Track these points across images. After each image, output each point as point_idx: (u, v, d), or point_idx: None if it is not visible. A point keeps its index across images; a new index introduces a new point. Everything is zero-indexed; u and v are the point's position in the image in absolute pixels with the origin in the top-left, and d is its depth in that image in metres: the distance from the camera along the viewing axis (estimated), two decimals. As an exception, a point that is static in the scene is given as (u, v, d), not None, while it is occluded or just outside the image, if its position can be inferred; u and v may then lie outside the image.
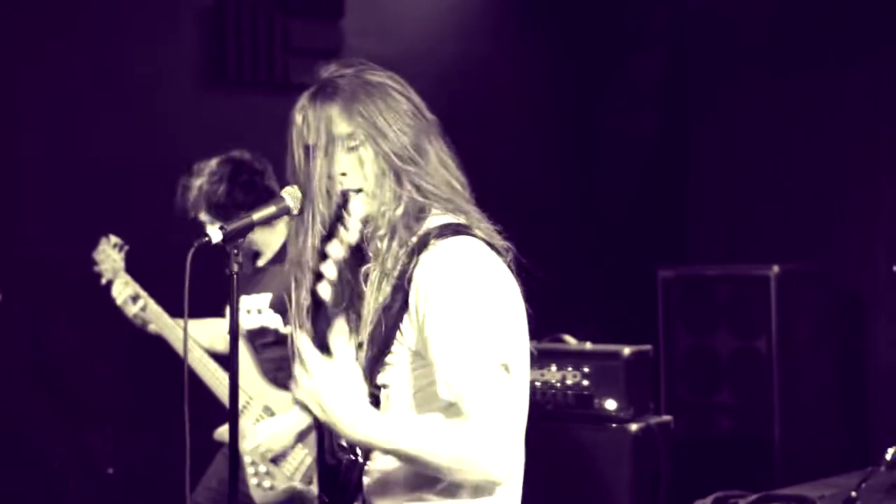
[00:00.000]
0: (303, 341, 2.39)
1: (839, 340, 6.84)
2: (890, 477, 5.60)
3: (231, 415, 2.66)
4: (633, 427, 5.30)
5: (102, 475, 5.70)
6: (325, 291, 2.37)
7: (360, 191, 2.58)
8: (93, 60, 5.62)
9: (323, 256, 2.36)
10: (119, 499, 5.69)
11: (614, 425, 5.32)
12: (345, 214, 2.37)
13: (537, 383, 5.45)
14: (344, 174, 2.58)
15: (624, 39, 7.58)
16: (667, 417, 5.51)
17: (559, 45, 7.41)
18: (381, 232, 2.58)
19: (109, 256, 4.87)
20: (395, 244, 2.56)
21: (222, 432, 4.65)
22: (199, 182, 4.65)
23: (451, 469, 2.43)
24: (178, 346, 4.69)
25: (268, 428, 4.41)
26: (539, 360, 5.43)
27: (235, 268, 2.61)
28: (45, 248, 5.40)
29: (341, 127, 2.59)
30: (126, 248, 4.89)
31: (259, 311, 4.65)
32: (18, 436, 5.44)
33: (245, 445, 4.41)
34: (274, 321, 4.62)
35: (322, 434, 2.61)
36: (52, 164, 5.47)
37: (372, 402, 2.48)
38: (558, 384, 5.43)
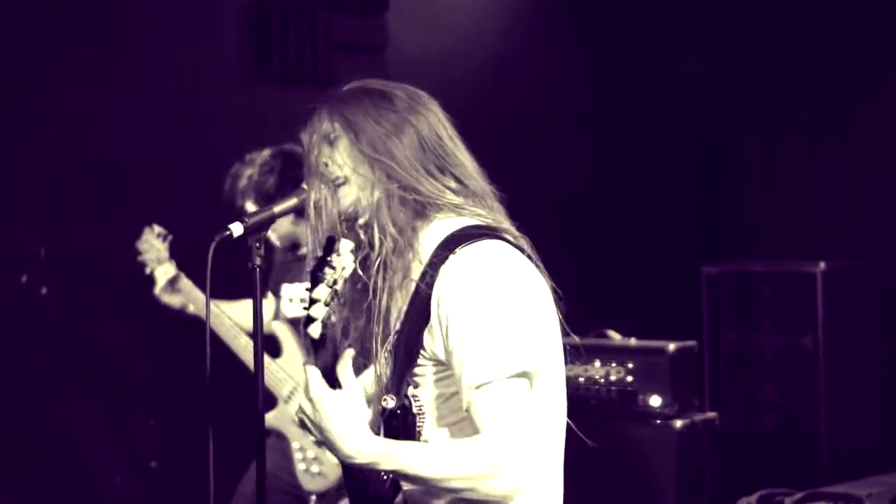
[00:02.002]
0: (311, 371, 2.41)
1: (885, 337, 6.78)
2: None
3: (256, 414, 2.66)
4: (678, 423, 5.27)
5: (146, 468, 5.73)
6: (315, 331, 2.40)
7: (344, 181, 2.61)
8: (138, 56, 5.64)
9: (312, 301, 2.38)
10: (162, 492, 5.72)
11: (659, 422, 5.29)
12: (333, 257, 2.39)
13: (581, 379, 5.42)
14: (326, 164, 2.62)
15: (665, 36, 7.54)
16: (712, 414, 5.47)
17: (601, 42, 7.38)
18: (363, 220, 2.59)
19: (153, 246, 4.90)
20: (397, 249, 2.54)
21: (270, 419, 4.66)
22: (249, 171, 4.66)
23: (459, 489, 2.43)
24: (221, 330, 4.71)
25: None
26: (583, 355, 5.41)
27: (258, 261, 2.61)
28: (92, 243, 5.43)
29: (324, 124, 2.65)
30: (170, 237, 4.91)
31: (301, 300, 4.66)
32: (61, 430, 5.46)
33: (290, 408, 4.45)
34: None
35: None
36: (98, 159, 5.49)
37: (400, 415, 2.49)
38: (602, 380, 5.40)
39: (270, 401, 4.65)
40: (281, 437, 4.72)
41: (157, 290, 4.85)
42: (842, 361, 6.40)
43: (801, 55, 7.31)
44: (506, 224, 2.64)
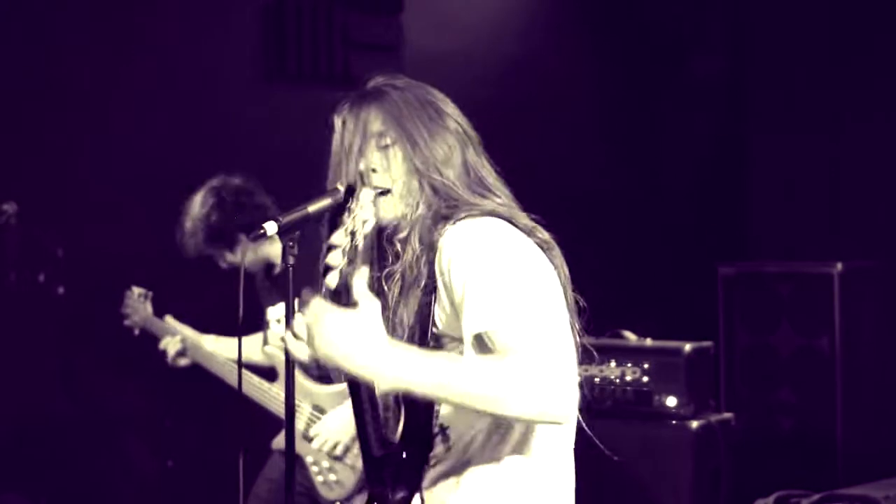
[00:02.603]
0: (314, 300, 2.33)
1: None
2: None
3: (288, 415, 2.65)
4: (694, 424, 5.26)
5: (163, 468, 5.74)
6: (333, 280, 2.35)
7: (387, 192, 2.58)
8: (155, 55, 5.65)
9: (329, 248, 2.35)
10: (178, 492, 5.73)
11: (674, 422, 5.29)
12: (352, 204, 2.36)
13: (596, 379, 5.42)
14: (374, 170, 2.59)
15: (683, 37, 7.53)
16: (728, 415, 5.47)
17: (618, 41, 7.37)
18: (403, 235, 2.57)
19: (136, 309, 4.94)
20: (416, 246, 2.54)
21: (279, 442, 4.67)
22: (189, 223, 4.66)
23: (497, 400, 2.28)
24: (215, 368, 4.75)
25: (329, 424, 4.43)
26: (598, 355, 5.40)
27: (291, 260, 2.60)
28: (109, 243, 5.44)
29: (375, 125, 2.61)
30: (150, 295, 4.94)
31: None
32: (76, 429, 5.48)
33: (313, 446, 4.44)
34: None
35: (365, 424, 2.55)
36: (115, 158, 5.50)
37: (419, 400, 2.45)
38: (618, 380, 5.40)
39: (278, 424, 4.64)
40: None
41: (171, 361, 4.90)
42: (858, 363, 6.38)
43: (821, 54, 7.29)
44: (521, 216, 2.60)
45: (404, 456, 2.52)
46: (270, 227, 2.56)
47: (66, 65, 5.40)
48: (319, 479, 4.62)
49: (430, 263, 2.52)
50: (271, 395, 4.65)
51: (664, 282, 7.19)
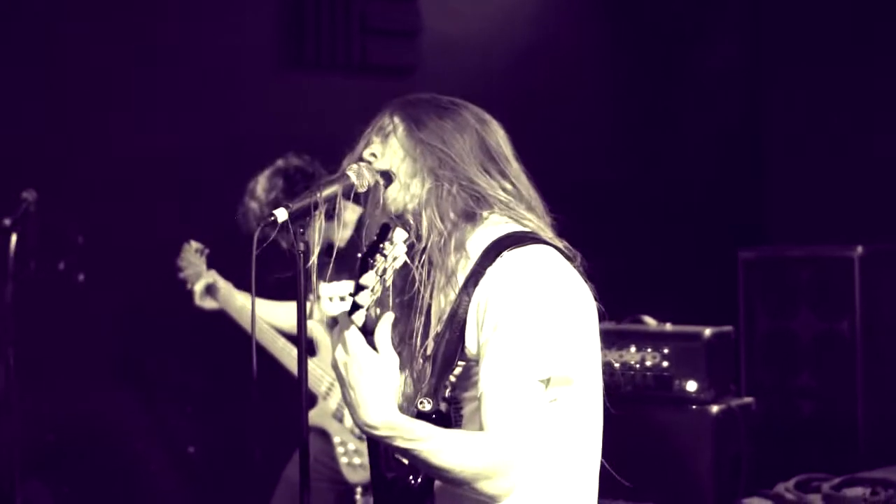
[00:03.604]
0: (354, 331, 2.38)
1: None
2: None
3: (300, 403, 2.65)
4: (714, 409, 5.25)
5: (183, 454, 5.76)
6: (360, 319, 2.36)
7: (389, 176, 2.60)
8: (173, 43, 5.66)
9: (359, 287, 2.35)
10: (200, 477, 5.75)
11: (695, 407, 5.28)
12: (386, 245, 2.36)
13: (616, 364, 5.41)
14: (374, 155, 2.63)
15: (700, 22, 7.51)
16: (748, 399, 5.45)
17: (634, 28, 7.36)
18: (424, 233, 2.57)
19: (192, 262, 4.94)
20: (445, 245, 2.54)
21: (311, 416, 4.68)
22: (255, 204, 4.65)
23: (459, 481, 2.39)
24: (259, 334, 4.72)
25: None
26: (618, 341, 5.40)
27: (301, 247, 2.61)
28: (130, 231, 5.45)
29: (384, 119, 2.65)
30: (207, 251, 4.94)
31: (342, 298, 4.66)
32: (98, 416, 5.50)
33: (345, 423, 4.45)
34: None
35: (377, 445, 2.56)
36: (134, 146, 5.51)
37: (436, 420, 2.45)
38: (638, 365, 5.39)
39: (310, 398, 4.67)
40: (322, 433, 4.73)
41: (196, 299, 4.89)
42: (879, 347, 6.36)
43: (838, 37, 7.27)
44: (549, 233, 2.62)
45: (411, 480, 2.52)
46: (281, 214, 2.56)
47: (86, 53, 5.41)
48: (344, 460, 4.64)
49: (468, 285, 2.52)
50: (308, 369, 4.66)
51: (684, 267, 7.18)
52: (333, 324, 2.47)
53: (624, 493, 4.85)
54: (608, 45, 7.30)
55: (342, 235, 4.69)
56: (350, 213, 4.55)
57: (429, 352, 2.55)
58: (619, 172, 7.08)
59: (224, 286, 4.86)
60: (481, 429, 2.43)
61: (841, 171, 7.28)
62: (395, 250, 2.35)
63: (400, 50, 6.43)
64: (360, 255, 2.41)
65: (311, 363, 4.72)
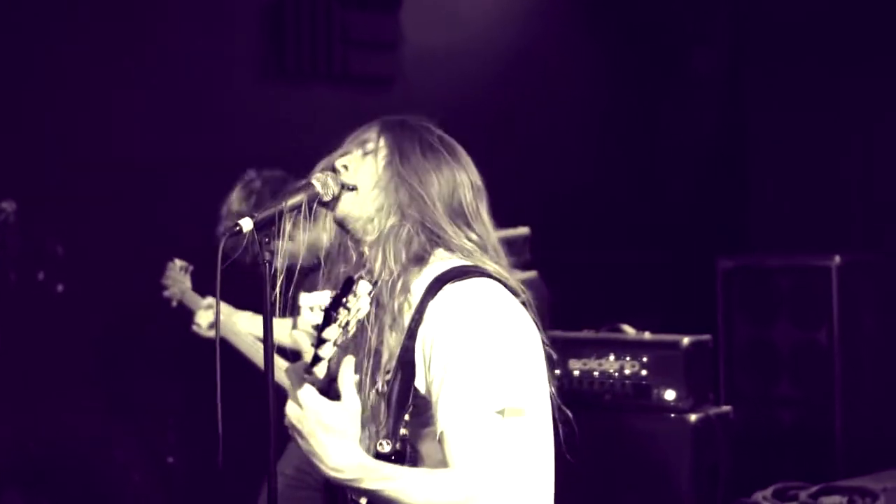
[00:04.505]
0: (307, 387, 2.40)
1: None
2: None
3: (269, 416, 2.65)
4: (693, 417, 5.27)
5: (163, 465, 5.75)
6: (321, 371, 2.38)
7: (354, 188, 2.59)
8: (154, 54, 5.66)
9: (321, 340, 2.37)
10: (180, 488, 5.74)
11: (673, 416, 5.30)
12: (350, 298, 2.36)
13: (595, 373, 5.44)
14: (345, 167, 2.61)
15: (684, 31, 7.55)
16: (726, 408, 5.48)
17: (618, 36, 7.39)
18: (371, 252, 2.58)
19: (177, 280, 4.94)
20: (393, 286, 2.52)
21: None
22: (231, 222, 4.63)
23: None
24: (243, 347, 4.73)
25: None
26: (597, 349, 5.42)
27: (268, 256, 2.61)
28: (109, 241, 5.45)
29: (368, 133, 2.64)
30: (191, 268, 4.94)
31: (321, 308, 4.67)
32: (76, 426, 5.49)
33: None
34: None
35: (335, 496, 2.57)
36: (115, 157, 5.51)
37: (395, 461, 2.45)
38: (617, 374, 5.41)
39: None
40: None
41: (203, 332, 4.88)
42: (857, 355, 6.40)
43: (819, 48, 7.31)
44: (498, 269, 2.59)
45: None
46: (246, 224, 2.56)
47: (67, 62, 5.41)
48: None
49: (413, 324, 2.51)
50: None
51: (664, 275, 7.21)
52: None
53: (603, 501, 4.88)
54: (589, 55, 7.32)
55: (322, 244, 4.70)
56: (329, 222, 4.56)
57: (381, 392, 2.54)
58: (600, 181, 7.10)
59: (225, 311, 4.86)
60: (442, 466, 2.44)
61: (821, 181, 7.32)
62: (360, 302, 2.36)
63: (380, 61, 6.44)
64: (323, 308, 2.43)
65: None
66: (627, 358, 5.39)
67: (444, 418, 2.42)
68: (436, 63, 6.51)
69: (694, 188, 7.60)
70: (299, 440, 2.42)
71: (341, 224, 2.64)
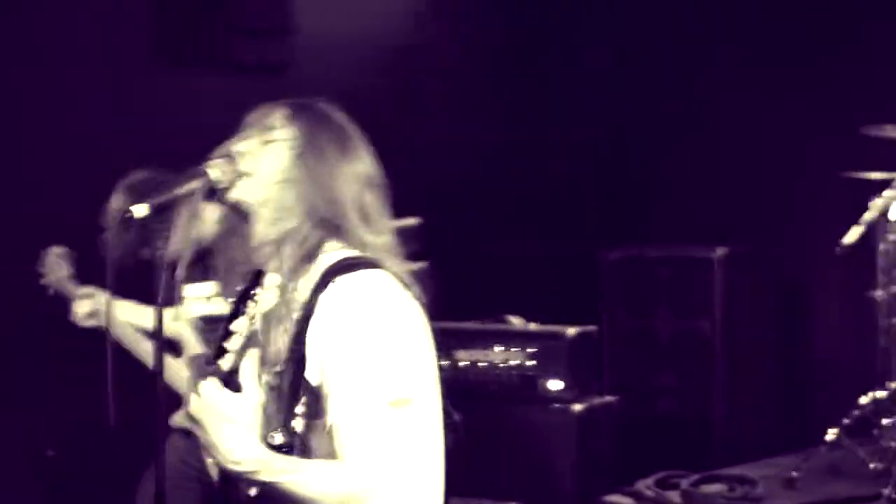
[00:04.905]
0: (208, 381, 2.38)
1: (781, 322, 6.90)
2: (829, 457, 5.68)
3: (158, 406, 2.63)
4: (578, 408, 5.33)
5: (41, 457, 5.67)
6: (227, 364, 2.37)
7: (249, 175, 2.54)
8: (39, 38, 5.57)
9: (229, 333, 2.35)
10: (59, 480, 5.66)
11: (558, 406, 5.35)
12: (258, 290, 2.35)
13: (481, 364, 5.46)
14: (243, 153, 2.56)
15: (571, 24, 7.60)
16: (611, 398, 5.54)
17: (512, 28, 7.42)
18: (268, 250, 2.54)
19: (54, 269, 4.86)
20: (289, 273, 2.51)
21: (178, 418, 4.63)
22: (111, 227, 4.58)
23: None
24: (124, 339, 4.67)
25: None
26: (483, 340, 5.45)
27: (160, 244, 2.59)
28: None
29: (276, 120, 2.59)
30: (70, 256, 4.86)
31: (208, 299, 4.64)
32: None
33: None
34: (221, 308, 4.60)
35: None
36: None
37: (286, 452, 2.46)
38: (502, 364, 5.45)
39: (176, 399, 4.61)
40: (188, 433, 4.69)
41: (79, 320, 4.80)
42: (737, 346, 6.51)
43: (702, 41, 7.40)
44: (391, 262, 2.59)
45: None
46: (139, 210, 2.52)
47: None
48: (212, 459, 4.60)
49: (304, 316, 2.50)
50: (173, 370, 4.61)
51: (549, 267, 7.25)
52: (196, 323, 2.43)
53: (488, 491, 4.91)
54: (481, 45, 7.34)
55: (206, 233, 4.67)
56: (211, 212, 4.52)
57: (273, 385, 2.55)
58: (486, 173, 7.12)
59: (105, 301, 4.79)
60: (332, 458, 2.46)
61: (704, 174, 7.41)
62: (266, 294, 2.35)
63: (272, 48, 6.39)
64: (231, 300, 2.40)
65: (177, 364, 4.68)
66: (513, 349, 5.43)
67: (336, 411, 2.44)
68: (329, 51, 6.48)
69: (580, 180, 7.66)
70: (198, 431, 2.40)
71: (236, 209, 2.57)
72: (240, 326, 2.34)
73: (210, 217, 4.50)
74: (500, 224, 7.12)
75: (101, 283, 4.74)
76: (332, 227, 2.55)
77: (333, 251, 2.56)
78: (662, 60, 7.62)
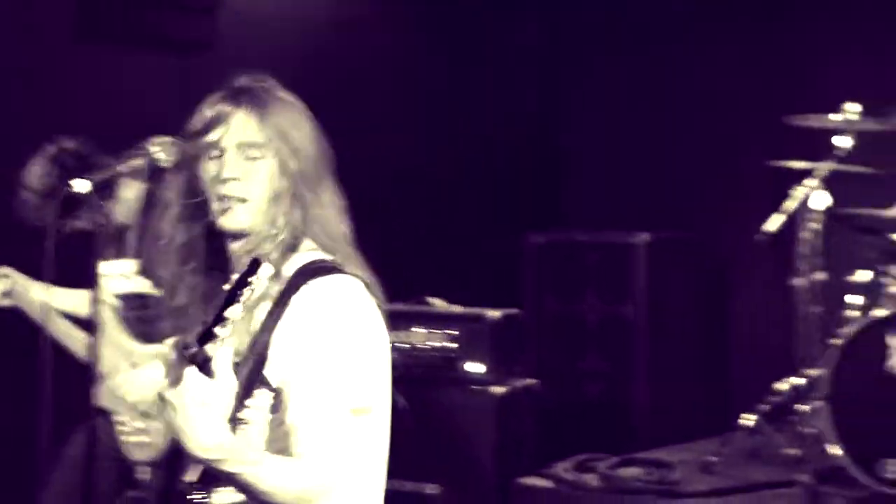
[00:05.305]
0: (191, 370, 2.36)
1: (704, 308, 6.96)
2: (747, 443, 5.75)
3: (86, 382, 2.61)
4: (499, 391, 5.35)
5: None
6: (212, 350, 2.35)
7: (244, 201, 2.55)
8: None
9: (222, 319, 2.34)
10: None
11: (480, 388, 5.36)
12: (253, 280, 2.35)
13: (404, 346, 5.47)
14: (236, 179, 2.55)
15: (500, 6, 7.59)
16: (533, 381, 5.56)
17: (438, 9, 7.40)
18: (248, 246, 2.56)
19: None
20: (265, 272, 2.48)
21: (97, 397, 4.60)
22: (30, 195, 4.53)
23: (279, 503, 2.44)
24: (53, 327, 4.63)
25: (135, 379, 4.39)
26: (406, 322, 5.45)
27: (102, 220, 2.58)
28: None
29: (250, 133, 2.57)
30: None
31: (126, 277, 4.61)
32: None
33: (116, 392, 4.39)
34: (141, 285, 4.58)
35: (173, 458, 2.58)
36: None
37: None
38: (424, 346, 5.45)
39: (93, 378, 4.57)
40: (103, 412, 4.67)
41: None
42: (662, 331, 6.56)
43: (637, 26, 7.43)
44: (356, 262, 2.62)
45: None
46: (81, 185, 2.51)
47: None
48: (130, 438, 4.58)
49: (272, 312, 2.52)
50: (90, 348, 4.57)
51: (475, 249, 7.26)
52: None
53: (407, 473, 4.92)
54: (408, 24, 7.31)
55: (121, 210, 4.63)
56: (130, 191, 4.49)
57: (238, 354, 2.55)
58: (416, 155, 7.10)
59: (21, 282, 4.73)
60: (280, 453, 2.48)
61: (631, 159, 7.44)
62: (260, 284, 2.35)
63: (198, 24, 6.33)
64: (227, 286, 2.40)
65: (85, 338, 4.63)
66: (436, 330, 5.44)
67: (297, 412, 2.47)
68: (255, 28, 6.44)
69: (508, 163, 7.66)
70: (170, 415, 2.37)
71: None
72: (234, 313, 2.33)
73: (126, 195, 4.48)
74: (428, 206, 7.11)
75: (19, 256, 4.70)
76: (310, 227, 2.57)
77: (308, 251, 2.59)
78: (590, 45, 7.63)
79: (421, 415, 5.32)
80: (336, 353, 2.48)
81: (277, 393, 2.51)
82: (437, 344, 5.44)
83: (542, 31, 7.76)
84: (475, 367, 5.38)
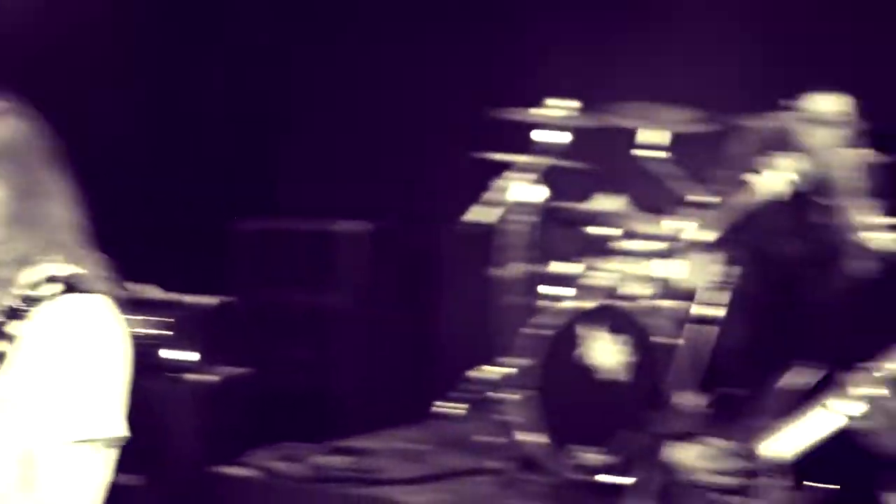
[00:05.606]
0: None
1: (410, 298, 7.06)
2: (448, 431, 5.91)
3: None
4: (205, 379, 5.33)
5: None
6: None
7: None
8: None
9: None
10: None
11: (186, 377, 5.33)
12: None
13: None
14: None
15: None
16: (241, 370, 5.56)
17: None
18: None
19: None
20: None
21: None
22: None
23: None
24: None
25: None
26: (118, 307, 5.36)
27: None
28: None
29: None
30: None
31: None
32: None
33: None
34: None
35: None
36: None
37: None
38: (135, 334, 5.38)
39: None
40: None
41: None
42: (368, 320, 6.62)
43: (327, 18, 7.46)
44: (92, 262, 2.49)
45: None
46: None
47: None
48: None
49: (8, 324, 2.39)
50: None
51: (188, 236, 7.15)
52: None
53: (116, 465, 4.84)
54: (122, 15, 7.12)
55: None
56: None
57: None
58: (121, 136, 6.95)
59: None
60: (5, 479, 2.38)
61: (336, 150, 7.48)
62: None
63: None
64: (10, 305, 2.31)
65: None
66: (146, 317, 5.37)
67: (32, 438, 2.33)
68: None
69: (221, 150, 7.58)
70: None
71: None
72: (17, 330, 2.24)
73: None
74: (141, 192, 6.97)
75: None
76: (46, 238, 2.42)
77: (46, 262, 2.42)
78: (290, 37, 7.63)
79: (129, 402, 5.26)
80: (75, 378, 2.34)
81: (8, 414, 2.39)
82: (148, 331, 5.37)
83: (269, 17, 7.69)
84: (182, 356, 5.34)
